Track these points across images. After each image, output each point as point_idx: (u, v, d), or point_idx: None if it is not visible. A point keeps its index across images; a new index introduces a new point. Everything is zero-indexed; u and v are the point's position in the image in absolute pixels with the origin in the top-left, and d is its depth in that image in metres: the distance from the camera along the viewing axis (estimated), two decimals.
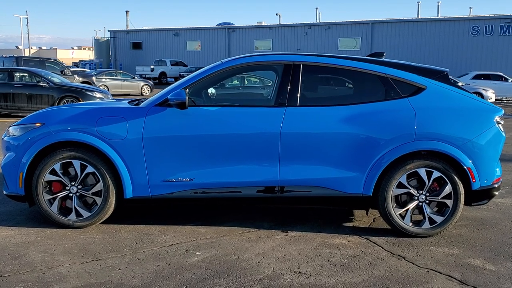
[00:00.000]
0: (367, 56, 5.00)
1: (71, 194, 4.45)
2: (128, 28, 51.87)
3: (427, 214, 4.38)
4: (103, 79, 24.67)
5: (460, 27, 34.73)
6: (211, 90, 5.28)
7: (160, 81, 38.20)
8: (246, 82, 14.32)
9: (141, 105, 4.54)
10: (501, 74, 26.16)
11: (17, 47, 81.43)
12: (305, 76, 4.52)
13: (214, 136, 4.32)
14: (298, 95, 4.40)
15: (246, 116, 4.37)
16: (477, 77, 25.54)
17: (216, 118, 4.37)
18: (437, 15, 41.68)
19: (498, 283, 3.51)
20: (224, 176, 4.35)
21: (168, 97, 4.32)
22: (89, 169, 4.39)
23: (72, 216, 4.45)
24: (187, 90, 4.39)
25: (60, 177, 4.41)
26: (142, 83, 26.55)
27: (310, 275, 3.59)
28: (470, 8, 45.50)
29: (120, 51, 50.41)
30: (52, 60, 23.48)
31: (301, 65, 4.51)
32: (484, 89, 22.57)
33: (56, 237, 4.27)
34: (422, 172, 4.33)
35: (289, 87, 4.42)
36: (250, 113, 4.39)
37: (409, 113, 4.32)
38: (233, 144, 4.32)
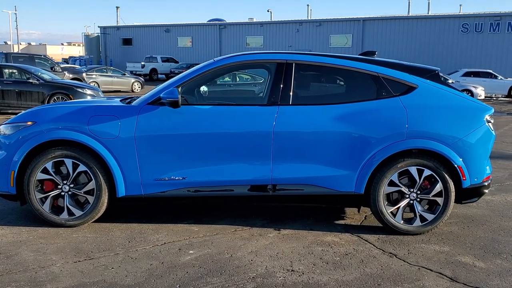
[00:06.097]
0: (359, 55, 5.03)
1: (63, 193, 4.43)
2: (118, 24, 51.53)
3: (418, 212, 4.43)
4: (94, 76, 24.48)
5: (450, 24, 34.93)
6: (204, 88, 5.29)
7: (151, 77, 38.05)
8: (237, 79, 14.31)
9: (134, 103, 4.52)
10: (491, 71, 26.41)
11: (5, 42, 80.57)
12: (298, 75, 4.54)
13: (207, 135, 4.32)
14: (291, 93, 4.42)
15: (239, 114, 4.38)
16: (467, 74, 25.77)
17: (209, 116, 4.38)
18: (428, 13, 41.90)
19: (488, 280, 3.56)
20: (217, 174, 4.36)
21: (161, 95, 4.31)
22: (81, 167, 4.37)
23: (64, 215, 4.44)
24: (179, 89, 4.39)
25: (52, 175, 4.39)
26: (132, 80, 26.40)
27: (303, 273, 3.61)
28: (460, 5, 45.67)
29: (111, 47, 50.10)
30: (42, 57, 23.32)
31: (294, 64, 4.52)
32: (474, 86, 22.76)
33: (48, 236, 4.26)
34: (413, 170, 4.37)
35: (281, 86, 4.43)
36: (243, 112, 4.40)
37: (400, 112, 4.36)
38: (226, 143, 4.33)
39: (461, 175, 4.37)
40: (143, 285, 3.37)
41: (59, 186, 4.42)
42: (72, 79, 21.53)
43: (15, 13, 62.47)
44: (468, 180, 4.40)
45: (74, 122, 4.35)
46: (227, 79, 13.36)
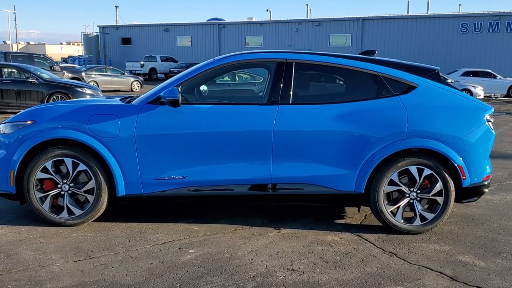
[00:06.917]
0: (359, 54, 5.03)
1: (63, 192, 4.42)
2: (117, 24, 51.46)
3: (418, 211, 4.43)
4: (93, 75, 24.44)
5: (450, 24, 34.91)
6: (204, 88, 5.28)
7: (150, 77, 38.01)
8: (237, 78, 14.31)
9: (133, 102, 4.52)
10: (490, 71, 26.41)
11: (4, 42, 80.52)
12: (298, 74, 4.53)
13: (207, 134, 4.32)
14: (291, 93, 4.41)
15: (238, 114, 4.37)
16: (466, 74, 25.77)
17: (209, 116, 4.37)
18: (427, 12, 41.86)
19: (488, 279, 3.56)
20: (216, 174, 4.35)
21: (161, 94, 4.30)
22: (81, 167, 4.36)
23: (64, 214, 4.43)
24: (179, 88, 4.38)
25: (51, 175, 4.38)
26: (132, 79, 26.36)
27: (303, 272, 3.61)
28: (460, 5, 45.60)
29: (110, 46, 50.02)
30: (41, 56, 23.26)
31: (294, 63, 4.52)
32: (473, 86, 22.76)
33: (48, 235, 4.25)
34: (413, 169, 4.37)
35: (281, 85, 4.43)
36: (242, 111, 4.39)
37: (400, 111, 4.36)
38: (226, 142, 4.32)
39: (461, 174, 4.37)
40: (143, 284, 3.37)
41: (59, 185, 4.41)
42: (71, 78, 21.49)
43: (14, 12, 62.39)
44: (468, 179, 4.40)
45: (74, 121, 4.34)
46: (226, 78, 13.35)
